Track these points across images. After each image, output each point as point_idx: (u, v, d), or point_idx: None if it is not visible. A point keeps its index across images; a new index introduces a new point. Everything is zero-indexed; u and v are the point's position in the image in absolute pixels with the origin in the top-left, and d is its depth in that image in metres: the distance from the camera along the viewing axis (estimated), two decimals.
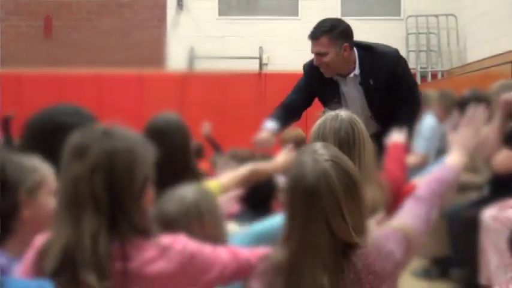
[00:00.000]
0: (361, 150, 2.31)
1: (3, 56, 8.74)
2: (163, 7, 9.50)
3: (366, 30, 7.73)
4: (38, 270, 1.58)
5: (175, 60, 9.36)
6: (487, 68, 6.57)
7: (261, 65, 9.27)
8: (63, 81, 8.72)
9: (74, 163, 1.67)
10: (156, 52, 9.37)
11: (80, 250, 1.57)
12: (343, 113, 2.38)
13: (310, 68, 3.90)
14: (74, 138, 1.74)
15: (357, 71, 3.77)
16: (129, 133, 1.80)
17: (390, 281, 1.68)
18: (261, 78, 9.15)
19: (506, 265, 3.66)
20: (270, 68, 9.24)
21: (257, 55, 9.19)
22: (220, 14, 9.63)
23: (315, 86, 3.91)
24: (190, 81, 8.85)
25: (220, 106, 8.54)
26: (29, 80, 8.75)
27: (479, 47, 8.05)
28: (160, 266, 1.66)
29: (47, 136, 1.96)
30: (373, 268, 1.62)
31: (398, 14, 9.46)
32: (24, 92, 8.69)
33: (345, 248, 1.60)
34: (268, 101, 8.52)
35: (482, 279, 3.78)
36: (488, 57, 7.27)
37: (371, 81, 3.75)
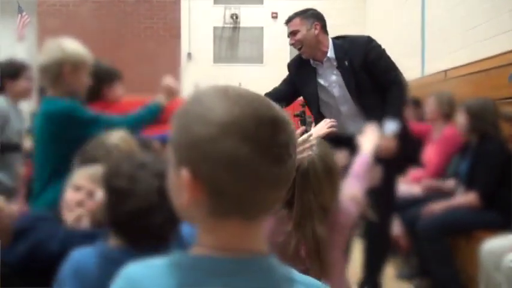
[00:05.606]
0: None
1: None
2: (178, 58, 9.44)
3: None
4: None
5: (187, 90, 9.32)
6: None
7: None
8: None
9: None
10: None
11: None
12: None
13: (291, 62, 3.02)
14: None
15: (330, 54, 2.82)
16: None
17: (347, 229, 1.69)
18: None
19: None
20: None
21: None
22: (214, 61, 9.58)
23: (295, 77, 2.95)
24: None
25: None
26: None
27: None
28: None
29: None
30: (339, 220, 1.62)
31: None
32: None
33: (324, 209, 1.58)
34: None
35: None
36: None
37: (346, 63, 2.79)
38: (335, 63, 2.83)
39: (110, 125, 2.08)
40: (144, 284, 0.69)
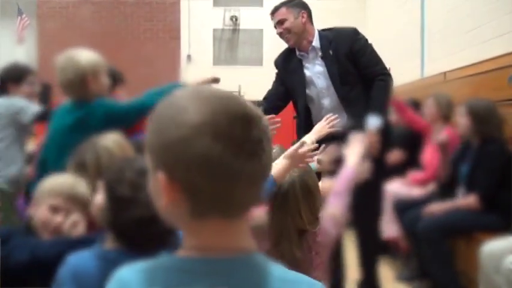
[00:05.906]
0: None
1: None
2: (178, 60, 9.42)
3: None
4: None
5: None
6: None
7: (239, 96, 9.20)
8: None
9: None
10: None
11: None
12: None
13: (277, 58, 3.01)
14: None
15: (315, 43, 2.79)
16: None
17: (327, 249, 1.67)
18: None
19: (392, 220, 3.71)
20: (245, 98, 9.13)
21: (237, 90, 9.16)
22: (214, 63, 9.55)
23: (282, 71, 2.94)
24: None
25: None
26: None
27: None
28: None
29: None
30: (318, 240, 1.61)
31: None
32: None
33: (302, 231, 1.57)
34: None
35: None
36: None
37: (330, 52, 2.76)
38: (320, 53, 2.81)
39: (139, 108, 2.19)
40: (132, 287, 0.70)
